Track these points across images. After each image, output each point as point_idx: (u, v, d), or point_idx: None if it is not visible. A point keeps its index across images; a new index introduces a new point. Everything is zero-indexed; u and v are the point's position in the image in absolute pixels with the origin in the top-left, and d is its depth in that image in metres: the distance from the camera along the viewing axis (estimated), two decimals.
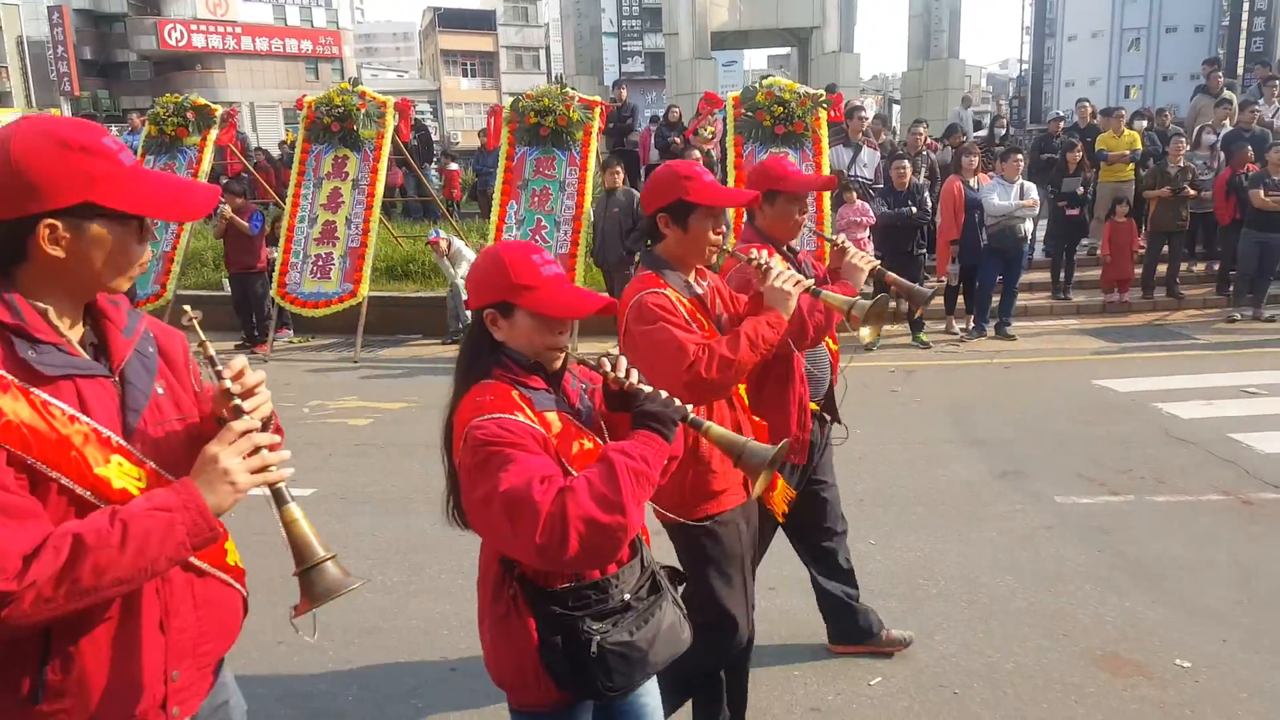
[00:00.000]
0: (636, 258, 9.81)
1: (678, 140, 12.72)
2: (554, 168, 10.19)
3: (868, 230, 9.68)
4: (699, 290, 2.93)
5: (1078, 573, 4.68)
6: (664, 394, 2.10)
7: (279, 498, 1.65)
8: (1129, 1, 44.28)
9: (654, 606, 2.19)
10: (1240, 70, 24.99)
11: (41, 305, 1.58)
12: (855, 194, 9.87)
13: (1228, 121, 11.90)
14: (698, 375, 2.63)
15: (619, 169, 9.88)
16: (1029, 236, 10.34)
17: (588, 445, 2.13)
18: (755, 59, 43.41)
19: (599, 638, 2.06)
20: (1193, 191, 10.93)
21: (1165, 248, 11.33)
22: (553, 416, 2.08)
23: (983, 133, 15.97)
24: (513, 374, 2.09)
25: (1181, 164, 10.93)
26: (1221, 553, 4.85)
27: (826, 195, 9.31)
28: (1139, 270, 11.49)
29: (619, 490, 1.86)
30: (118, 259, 1.61)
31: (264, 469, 1.64)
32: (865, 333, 3.12)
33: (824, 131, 9.56)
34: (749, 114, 9.44)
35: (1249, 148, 10.60)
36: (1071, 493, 5.79)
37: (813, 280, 3.03)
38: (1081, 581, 4.60)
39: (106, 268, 1.60)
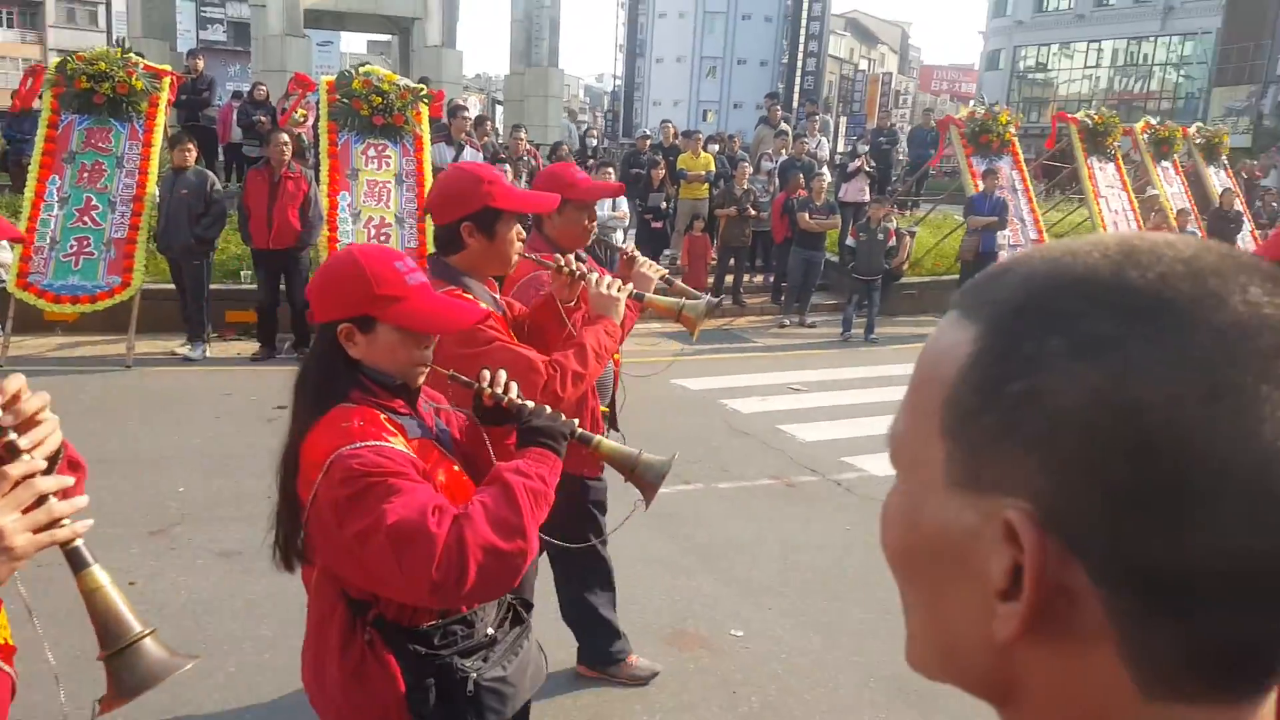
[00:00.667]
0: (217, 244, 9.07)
1: (264, 120, 11.97)
2: (110, 140, 8.87)
3: None
4: (498, 300, 2.77)
5: (655, 559, 5.05)
6: (547, 408, 1.98)
7: (75, 560, 1.27)
8: (707, 33, 48.42)
9: (521, 638, 2.07)
10: (795, 104, 28.26)
11: None
12: None
13: (784, 151, 13.50)
14: (555, 394, 2.47)
15: (191, 146, 8.92)
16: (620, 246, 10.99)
17: (455, 470, 1.96)
18: (355, 43, 41.90)
19: (474, 675, 1.91)
20: (754, 211, 12.25)
21: (732, 260, 12.60)
22: (419, 443, 1.89)
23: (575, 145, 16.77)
24: (374, 396, 1.87)
25: (745, 186, 12.20)
26: (770, 531, 5.49)
27: None
28: (712, 279, 12.67)
29: (519, 513, 1.74)
30: None
31: (52, 524, 1.24)
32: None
33: (425, 127, 9.46)
34: (344, 101, 9.05)
35: (800, 175, 12.09)
36: None
37: (630, 285, 2.93)
38: (657, 566, 4.96)
39: None
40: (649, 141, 13.46)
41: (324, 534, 1.77)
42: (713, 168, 12.92)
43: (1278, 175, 35.86)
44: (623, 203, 10.71)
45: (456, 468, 1.98)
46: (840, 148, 24.57)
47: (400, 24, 23.32)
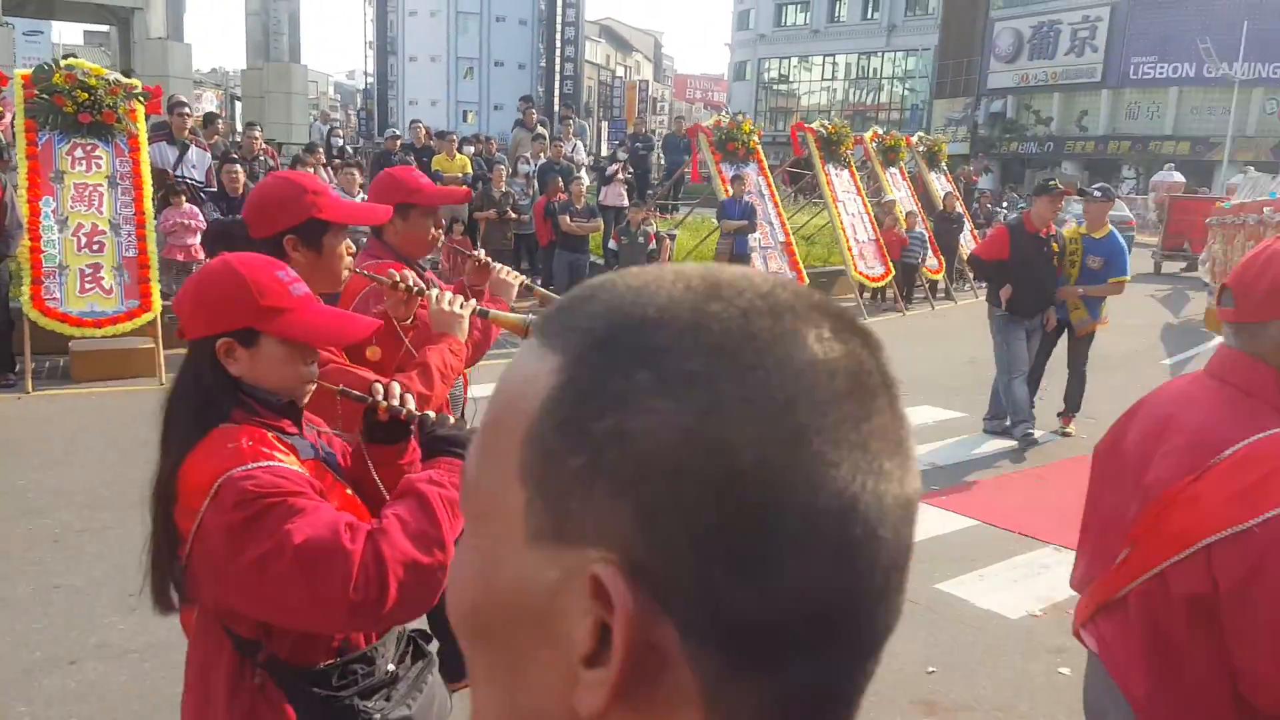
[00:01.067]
0: None
1: None
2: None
3: (198, 236, 9.04)
4: None
5: None
6: (450, 417, 1.87)
7: None
8: (461, 33, 47.97)
9: (424, 673, 1.93)
10: (556, 108, 28.36)
11: None
12: (184, 196, 9.18)
13: (542, 154, 13.44)
14: None
15: None
16: None
17: (349, 494, 1.83)
18: (71, 33, 38.19)
19: (377, 717, 1.76)
20: (514, 215, 12.11)
21: None
22: (312, 465, 1.76)
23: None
24: (258, 416, 1.72)
25: (503, 189, 12.05)
26: None
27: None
28: None
29: (437, 525, 1.63)
30: None
31: None
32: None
33: (142, 126, 8.63)
34: (44, 97, 8.11)
35: (559, 178, 12.07)
36: None
37: (475, 301, 2.72)
38: None
39: None
40: (399, 142, 13.03)
41: (213, 565, 1.60)
42: (470, 170, 12.69)
43: (991, 178, 39.67)
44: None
45: (349, 491, 1.86)
46: (605, 151, 24.87)
47: (118, 14, 21.49)
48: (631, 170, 13.03)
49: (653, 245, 11.06)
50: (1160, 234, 21.22)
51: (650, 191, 14.13)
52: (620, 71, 55.77)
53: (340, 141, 13.84)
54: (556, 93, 40.39)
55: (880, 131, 15.89)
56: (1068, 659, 4.22)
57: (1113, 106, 48.88)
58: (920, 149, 16.72)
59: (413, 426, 1.88)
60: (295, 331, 1.74)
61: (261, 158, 11.24)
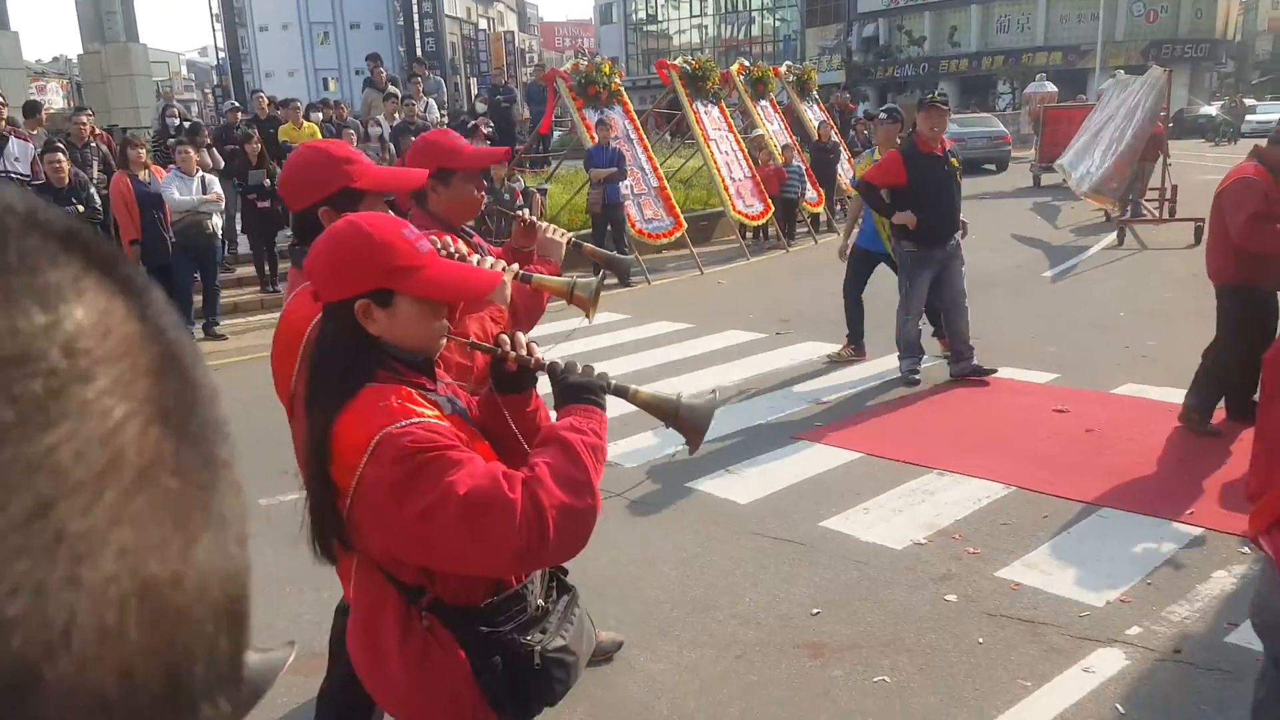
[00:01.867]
0: None
1: None
2: None
3: None
4: None
5: (287, 576, 4.47)
6: (578, 364, 1.94)
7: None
8: None
9: (571, 606, 2.04)
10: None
11: None
12: None
13: (396, 114, 12.84)
14: None
15: None
16: (219, 232, 9.93)
17: (485, 446, 1.89)
18: None
19: (538, 648, 1.88)
20: None
21: None
22: (453, 419, 1.82)
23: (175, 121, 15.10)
24: (399, 375, 1.79)
25: None
26: None
27: None
28: None
29: (584, 470, 1.72)
30: None
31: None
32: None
33: None
34: None
35: (412, 139, 11.52)
36: (277, 492, 5.59)
37: (517, 265, 2.72)
38: (290, 585, 4.39)
39: None
40: (240, 114, 12.29)
41: (377, 518, 1.70)
42: (319, 137, 12.06)
43: (868, 106, 39.93)
44: (215, 183, 9.63)
45: (485, 442, 1.91)
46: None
47: None
48: (493, 125, 12.54)
49: (519, 201, 10.66)
50: (1037, 146, 21.54)
51: (516, 146, 13.66)
52: (483, 24, 54.30)
53: (176, 120, 12.92)
54: (419, 50, 39.07)
55: (746, 64, 15.65)
56: (953, 585, 4.15)
57: (983, 21, 49.69)
58: (790, 79, 16.57)
59: (537, 375, 1.95)
60: (429, 289, 1.77)
61: (94, 144, 10.44)
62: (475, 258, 2.59)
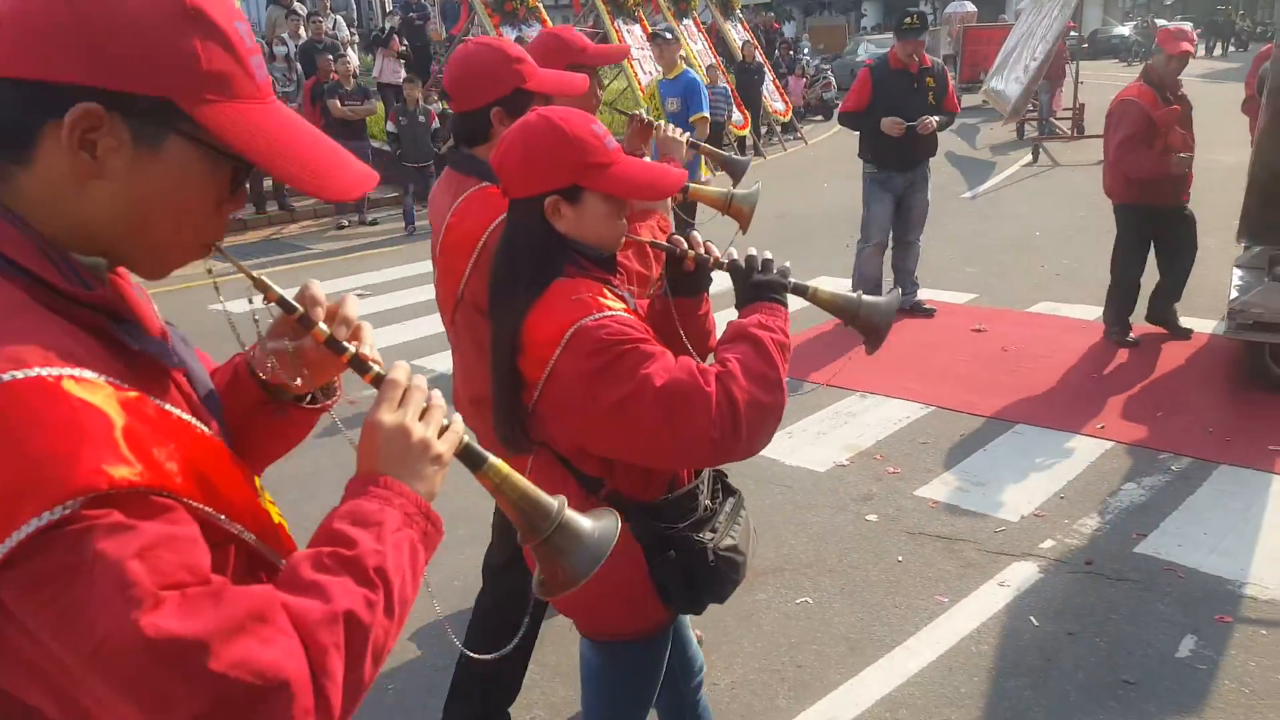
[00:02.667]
0: None
1: None
2: None
3: None
4: None
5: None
6: (758, 257, 1.89)
7: (472, 457, 1.12)
8: None
9: (737, 508, 2.03)
10: None
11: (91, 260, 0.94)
12: None
13: (302, 31, 12.29)
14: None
15: None
16: None
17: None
18: None
19: (711, 546, 1.89)
20: (290, 106, 11.13)
21: None
22: (632, 313, 1.81)
23: None
24: (585, 270, 1.79)
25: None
26: (327, 459, 4.93)
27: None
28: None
29: (774, 366, 1.74)
30: None
31: (446, 427, 1.08)
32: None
33: None
34: None
35: (328, 57, 11.07)
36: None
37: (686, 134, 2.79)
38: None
39: None
40: None
41: (569, 409, 1.72)
42: None
43: (794, 26, 39.55)
44: None
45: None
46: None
47: None
48: (406, 43, 12.07)
49: (435, 124, 10.33)
50: (957, 66, 21.59)
51: (431, 66, 13.20)
52: None
53: None
54: None
55: None
56: (874, 505, 4.21)
57: None
58: None
59: (711, 275, 1.93)
60: (618, 186, 1.77)
61: None
62: (660, 121, 2.69)
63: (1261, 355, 5.20)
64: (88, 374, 0.84)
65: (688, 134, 3.01)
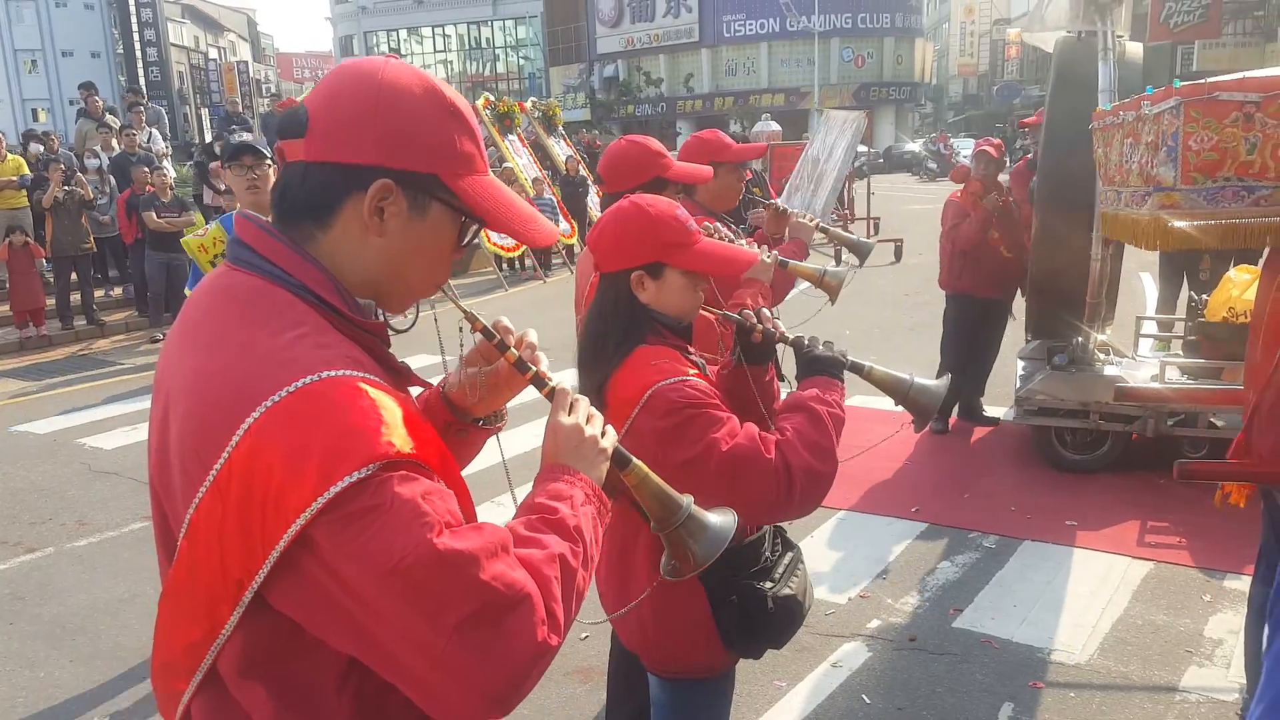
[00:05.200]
0: None
1: None
2: None
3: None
4: None
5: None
6: (819, 338, 2.10)
7: (619, 457, 1.37)
8: (16, 23, 42.39)
9: (796, 561, 2.19)
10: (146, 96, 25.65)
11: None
12: None
13: (115, 143, 11.91)
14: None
15: None
16: None
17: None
18: None
19: (771, 594, 2.04)
20: (90, 209, 10.75)
21: (74, 275, 10.90)
22: (713, 381, 2.05)
23: None
24: (664, 339, 2.01)
25: (64, 189, 10.49)
26: (147, 583, 4.66)
27: None
28: (53, 301, 10.86)
29: (828, 436, 1.90)
30: None
31: (604, 431, 1.34)
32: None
33: None
34: None
35: (145, 169, 10.74)
36: None
37: (776, 252, 3.07)
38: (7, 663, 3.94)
39: None
40: None
41: (659, 461, 1.76)
42: (26, 171, 11.04)
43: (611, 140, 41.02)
44: None
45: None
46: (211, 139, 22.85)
47: None
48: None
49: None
50: (765, 183, 22.94)
51: None
52: (214, 54, 51.52)
53: None
54: (143, 81, 36.57)
55: (492, 98, 15.74)
56: None
57: (713, 65, 52.48)
58: (536, 114, 16.80)
59: (777, 347, 2.11)
60: (696, 263, 1.98)
61: None
62: (742, 242, 2.93)
63: (1049, 438, 5.68)
64: (373, 378, 1.10)
65: (817, 219, 3.63)
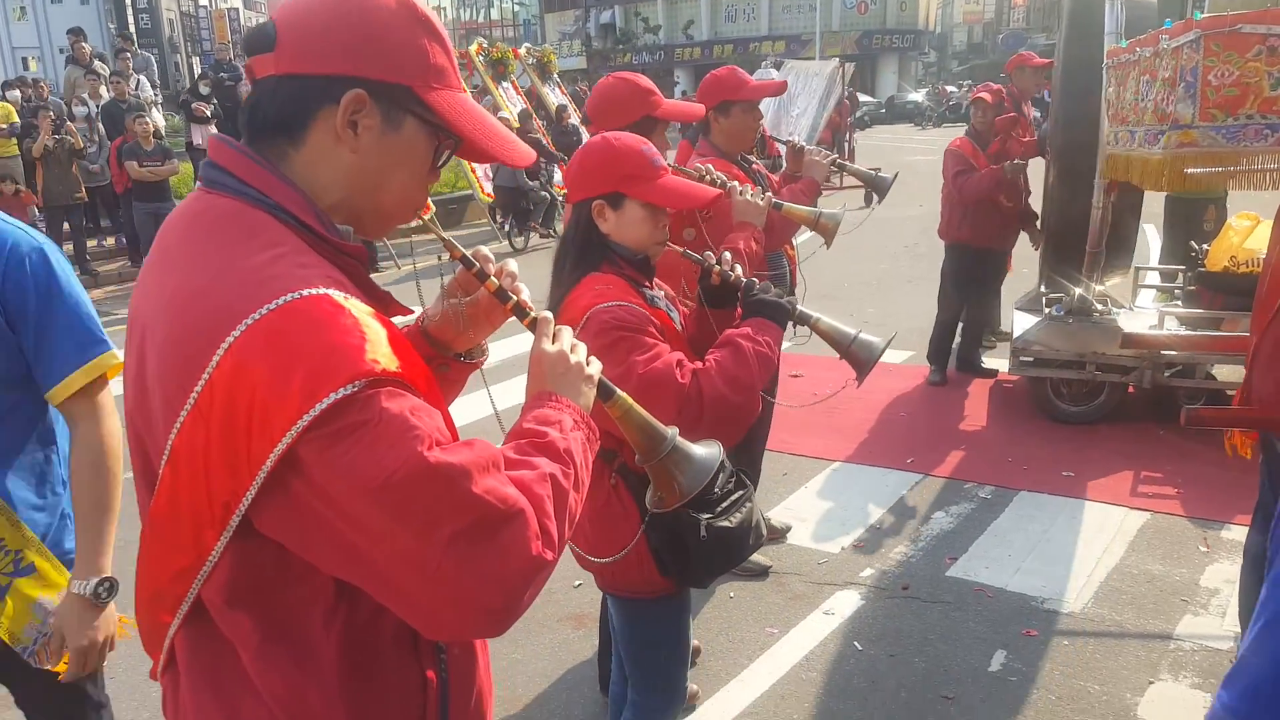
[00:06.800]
0: None
1: None
2: None
3: None
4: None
5: None
6: (769, 285, 2.15)
7: (606, 388, 1.40)
8: None
9: (744, 500, 2.20)
10: (136, 44, 25.24)
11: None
12: None
13: (104, 91, 11.73)
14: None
15: None
16: None
17: (681, 340, 2.19)
18: None
19: (704, 524, 2.07)
20: (93, 167, 10.64)
21: (66, 224, 10.80)
22: (666, 315, 2.15)
23: None
24: (619, 269, 2.09)
25: (54, 137, 10.35)
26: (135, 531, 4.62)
27: None
28: None
29: (749, 370, 1.99)
30: None
31: (588, 360, 1.35)
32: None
33: None
34: None
35: (135, 118, 10.59)
36: None
37: (770, 194, 3.08)
38: None
39: None
40: None
41: None
42: (15, 119, 10.86)
43: None
44: None
45: (680, 339, 2.20)
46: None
47: None
48: (216, 103, 11.69)
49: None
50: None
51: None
52: (204, 0, 50.72)
53: None
54: (133, 28, 36.01)
55: (485, 44, 15.48)
56: None
57: (713, 11, 51.72)
58: (530, 61, 16.53)
59: (739, 290, 2.15)
60: (653, 195, 2.06)
61: None
62: (734, 184, 2.94)
63: (1044, 389, 5.63)
64: (354, 299, 1.07)
65: (833, 155, 3.65)
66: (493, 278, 1.34)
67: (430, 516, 1.00)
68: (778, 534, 4.32)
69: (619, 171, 2.05)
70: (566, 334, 1.35)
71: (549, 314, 1.36)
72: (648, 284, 2.17)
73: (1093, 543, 4.18)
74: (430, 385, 1.13)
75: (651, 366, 1.94)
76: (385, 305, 1.21)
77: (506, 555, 1.04)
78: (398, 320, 1.26)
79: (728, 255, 2.20)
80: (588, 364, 1.34)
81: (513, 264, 1.39)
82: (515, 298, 1.35)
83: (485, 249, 1.38)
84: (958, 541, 4.25)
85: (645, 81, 2.87)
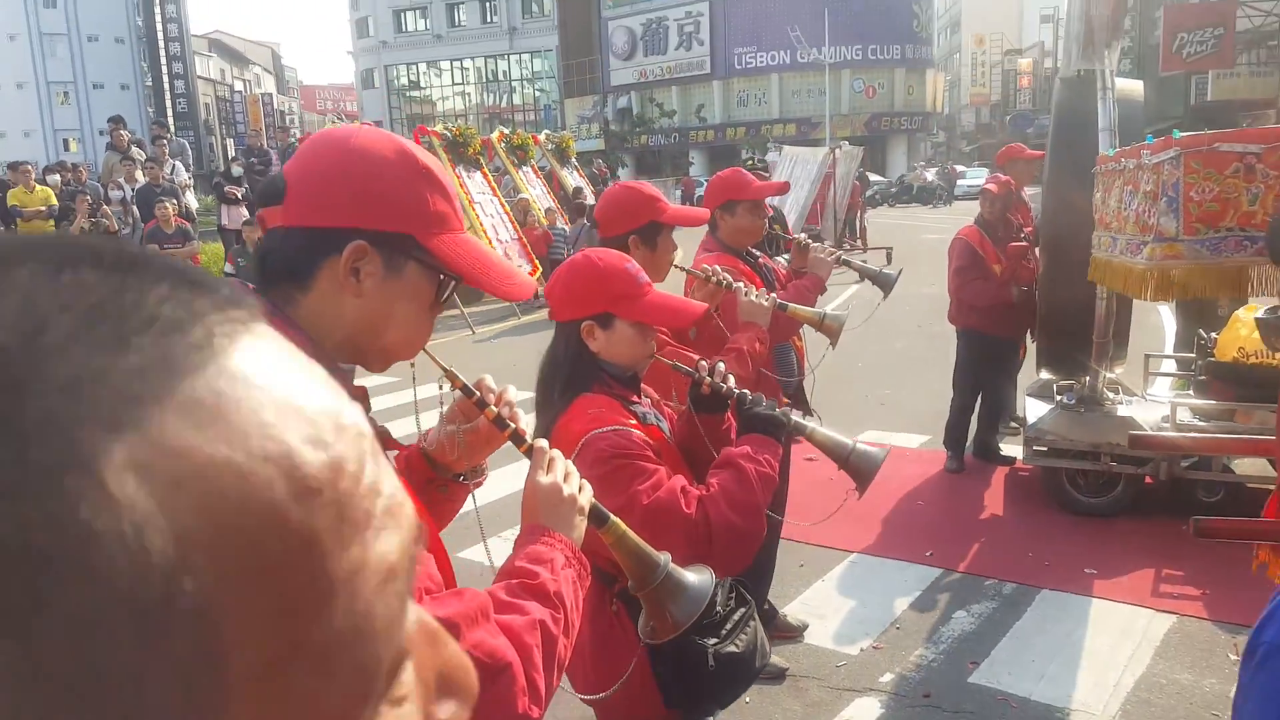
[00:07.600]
0: None
1: None
2: None
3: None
4: None
5: None
6: (762, 396, 2.14)
7: (597, 515, 1.44)
8: (50, 56, 43.19)
9: (747, 618, 2.14)
10: (173, 127, 25.97)
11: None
12: None
13: (139, 176, 12.11)
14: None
15: None
16: None
17: (677, 456, 2.14)
18: None
19: (711, 650, 2.01)
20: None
21: None
22: (658, 429, 2.10)
23: None
24: (609, 388, 2.07)
25: (90, 220, 10.72)
26: None
27: None
28: None
29: (753, 494, 1.94)
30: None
31: (580, 488, 1.41)
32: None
33: None
34: None
35: (165, 202, 10.94)
36: None
37: (775, 295, 3.14)
38: None
39: None
40: None
41: None
42: (54, 201, 11.25)
43: (628, 172, 41.30)
44: None
45: (677, 452, 2.16)
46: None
47: None
48: (246, 186, 12.03)
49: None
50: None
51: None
52: (239, 86, 52.25)
53: None
54: (170, 113, 37.14)
55: (506, 131, 15.85)
56: None
57: (725, 96, 52.81)
58: (549, 146, 16.89)
59: (730, 401, 2.13)
60: (643, 314, 2.04)
61: None
62: (740, 285, 3.01)
63: (1060, 479, 5.54)
64: None
65: (838, 253, 3.71)
66: (491, 406, 1.38)
67: None
68: (795, 632, 4.24)
69: (609, 292, 2.04)
70: (560, 463, 1.38)
71: (544, 443, 1.39)
72: (636, 399, 2.15)
73: (1118, 648, 4.07)
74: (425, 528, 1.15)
75: (655, 497, 1.91)
76: (381, 441, 1.22)
77: (491, 713, 1.05)
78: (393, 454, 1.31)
79: (720, 366, 2.18)
80: (580, 493, 1.37)
81: (512, 391, 1.44)
82: (513, 425, 1.39)
83: (488, 379, 1.43)
84: (980, 644, 4.15)
85: (650, 189, 2.98)
